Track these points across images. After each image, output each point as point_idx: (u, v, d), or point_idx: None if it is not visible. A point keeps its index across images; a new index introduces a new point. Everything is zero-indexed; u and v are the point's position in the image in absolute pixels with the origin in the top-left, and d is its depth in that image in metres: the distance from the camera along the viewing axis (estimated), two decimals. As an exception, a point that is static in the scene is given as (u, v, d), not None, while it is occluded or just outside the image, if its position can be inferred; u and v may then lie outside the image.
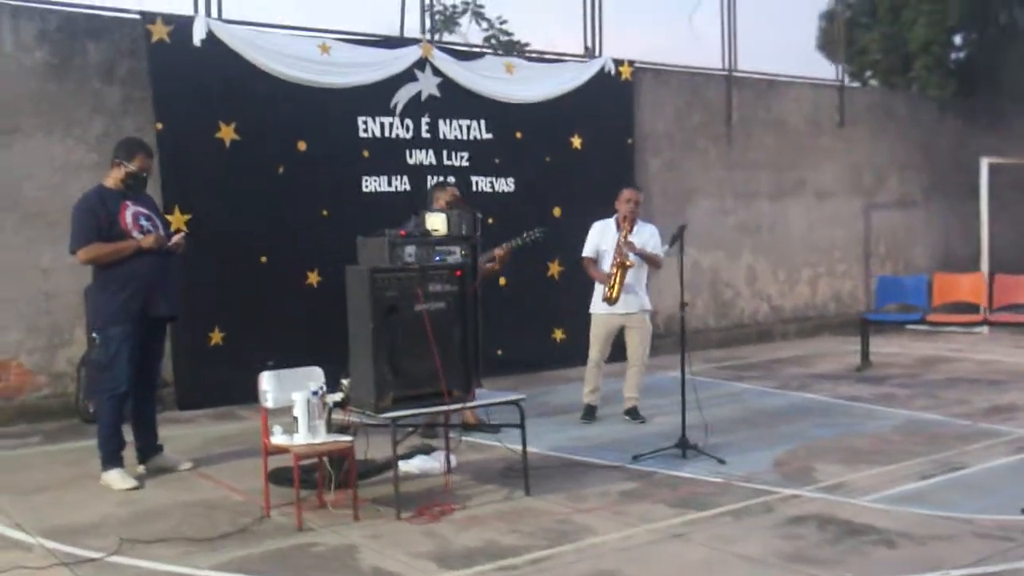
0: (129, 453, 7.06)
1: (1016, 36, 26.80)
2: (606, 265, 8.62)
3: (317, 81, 10.24)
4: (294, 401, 5.98)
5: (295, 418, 5.99)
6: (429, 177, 10.97)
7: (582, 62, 12.19)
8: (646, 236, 8.69)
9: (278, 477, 6.81)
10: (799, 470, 6.85)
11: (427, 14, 11.46)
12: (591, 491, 6.45)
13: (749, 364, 11.81)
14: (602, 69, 12.18)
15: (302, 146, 10.23)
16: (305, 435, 5.94)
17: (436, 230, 6.50)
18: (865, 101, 15.11)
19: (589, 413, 8.69)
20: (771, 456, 7.27)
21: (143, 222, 6.90)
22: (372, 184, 10.69)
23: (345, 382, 6.36)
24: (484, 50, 11.48)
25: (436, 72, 11.00)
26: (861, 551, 5.18)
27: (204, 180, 9.68)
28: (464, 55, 11.29)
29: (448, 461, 6.97)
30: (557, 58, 12.13)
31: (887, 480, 6.51)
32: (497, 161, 11.44)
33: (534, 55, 11.89)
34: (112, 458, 6.87)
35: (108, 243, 6.74)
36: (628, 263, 8.45)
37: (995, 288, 10.83)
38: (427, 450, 7.31)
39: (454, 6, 11.68)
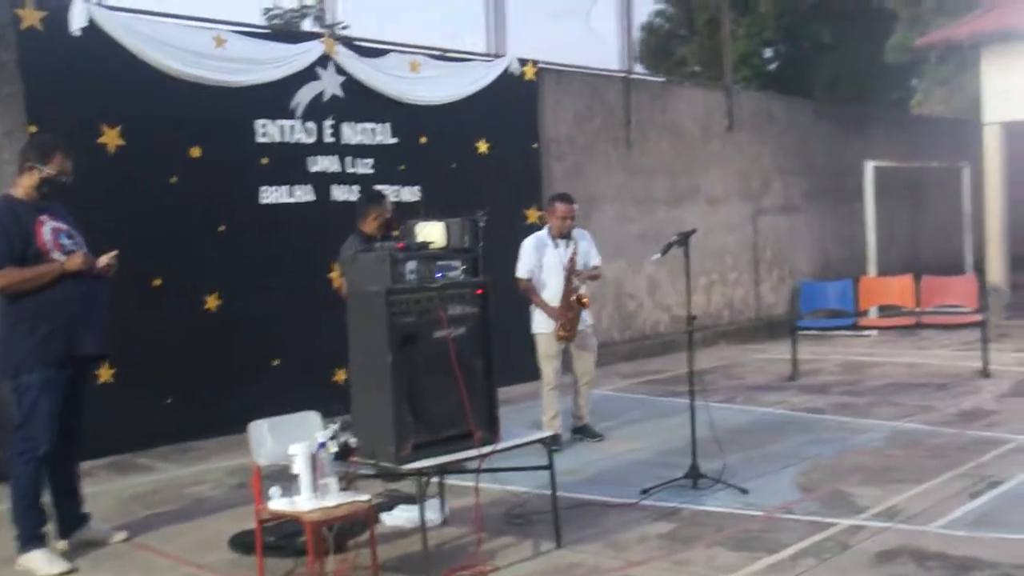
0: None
1: (822, 50, 27.81)
2: (549, 286, 7.78)
3: (211, 79, 9.02)
4: (292, 456, 4.88)
5: (295, 476, 4.88)
6: (333, 187, 9.91)
7: (487, 62, 11.37)
8: (585, 248, 7.95)
9: (242, 544, 5.69)
10: (832, 495, 6.25)
11: (266, 17, 10.45)
12: (625, 537, 5.64)
13: (670, 378, 11.23)
14: (507, 70, 11.40)
15: (195, 152, 8.98)
16: (311, 496, 4.85)
17: (433, 242, 5.52)
18: (751, 106, 14.90)
19: (555, 442, 7.84)
20: (787, 480, 6.66)
21: (64, 240, 5.62)
22: (272, 195, 9.52)
23: (334, 426, 5.28)
24: (389, 47, 10.47)
25: (339, 70, 9.94)
26: (991, 592, 4.57)
27: (85, 192, 8.21)
28: (368, 51, 10.26)
29: (443, 510, 6.02)
30: (462, 57, 11.25)
31: (937, 501, 5.98)
32: (402, 168, 10.46)
33: (438, 53, 10.96)
34: (33, 536, 5.56)
35: (24, 267, 5.43)
36: (585, 301, 7.70)
37: (923, 290, 10.64)
38: (407, 499, 6.30)
39: (294, 10, 10.69)
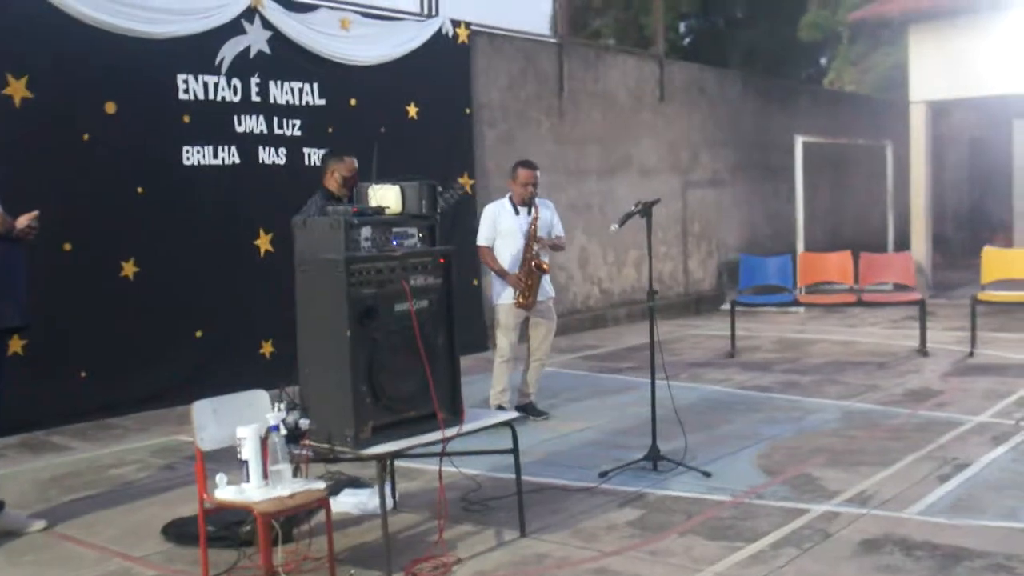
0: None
1: (735, 25, 27.91)
2: (505, 250, 7.49)
3: (129, 28, 8.38)
4: (241, 440, 4.41)
5: (244, 462, 4.42)
6: (260, 148, 9.35)
7: (420, 21, 10.87)
8: (548, 218, 7.67)
9: (177, 533, 5.22)
10: (799, 479, 6.01)
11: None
12: (592, 524, 5.31)
13: (606, 354, 10.98)
14: (440, 30, 10.92)
15: (111, 108, 8.34)
16: (260, 485, 4.39)
17: (388, 207, 5.07)
18: (682, 76, 14.65)
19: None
20: (749, 463, 6.41)
21: (-24, 200, 5.03)
22: (194, 155, 8.92)
23: (280, 404, 4.81)
24: (318, 2, 9.89)
25: (266, 24, 9.36)
26: (988, 583, 4.36)
27: (-10, 147, 7.62)
28: (296, 6, 9.67)
29: (393, 495, 5.62)
30: (394, 15, 10.72)
31: (907, 485, 5.79)
32: (330, 131, 9.91)
33: (370, 10, 10.42)
34: (-61, 526, 4.99)
35: (-70, 229, 4.84)
36: (544, 266, 7.40)
37: (861, 267, 10.52)
38: (352, 482, 5.89)
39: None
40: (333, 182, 6.77)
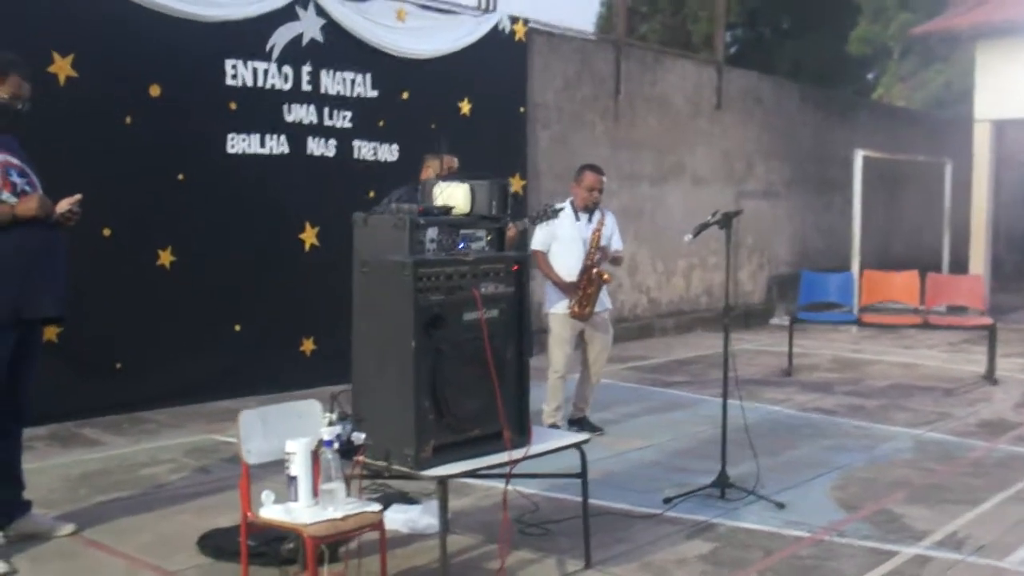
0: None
1: (782, 36, 27.39)
2: (566, 262, 7.04)
3: (178, 10, 8.05)
4: (290, 454, 4.03)
5: (292, 479, 4.04)
6: (309, 139, 9.01)
7: (477, 15, 10.49)
8: (610, 229, 7.24)
9: (215, 547, 4.85)
10: (880, 515, 5.58)
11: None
12: (661, 557, 4.90)
13: (656, 366, 10.56)
14: (497, 26, 10.54)
15: (155, 91, 8.01)
16: (310, 504, 4.01)
17: (455, 207, 4.67)
18: (739, 84, 14.20)
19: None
20: (823, 494, 5.99)
21: (16, 178, 4.70)
22: (240, 144, 8.58)
23: (331, 415, 4.42)
24: (375, -9, 9.54)
25: (320, 12, 9.01)
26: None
27: (29, 126, 7.26)
28: (352, -6, 9.32)
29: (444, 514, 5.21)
30: (451, 9, 10.35)
31: (1001, 529, 5.34)
32: (381, 124, 9.56)
33: (426, 3, 10.06)
34: (-36, 528, 4.64)
35: (-34, 210, 4.49)
36: (605, 277, 6.97)
37: (928, 287, 10.06)
38: (401, 497, 5.51)
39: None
40: (427, 176, 6.40)
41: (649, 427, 7.63)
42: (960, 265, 14.70)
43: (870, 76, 29.48)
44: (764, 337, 12.75)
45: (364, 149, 9.44)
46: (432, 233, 4.39)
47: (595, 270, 6.93)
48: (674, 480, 6.12)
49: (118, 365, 7.76)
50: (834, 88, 24.53)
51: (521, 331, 4.53)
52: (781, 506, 5.66)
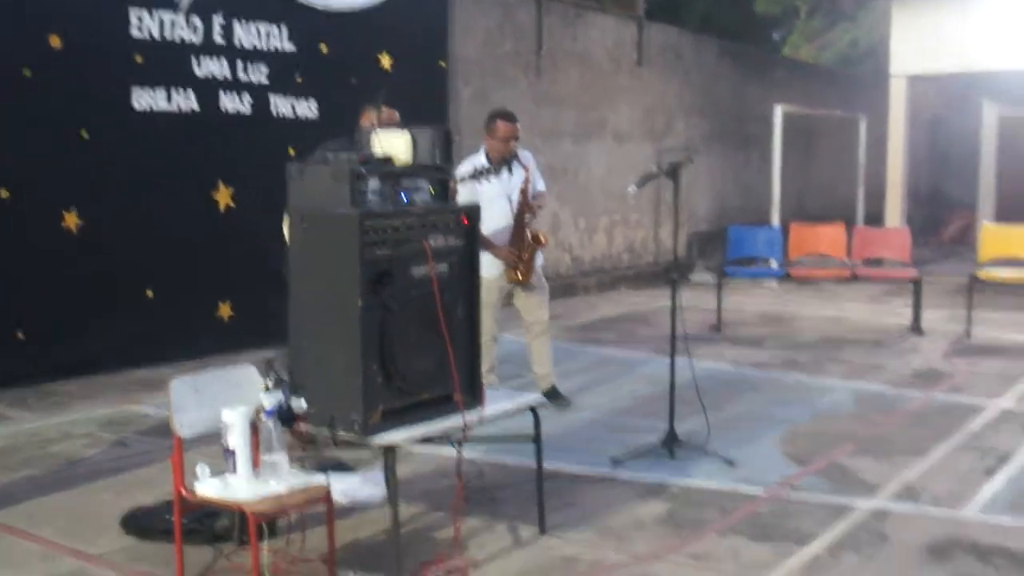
0: None
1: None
2: (491, 221, 6.62)
3: (78, -46, 7.50)
4: (227, 425, 3.72)
5: (230, 452, 3.72)
6: (222, 94, 8.54)
7: (396, -34, 10.07)
8: (532, 171, 6.82)
9: (140, 527, 4.52)
10: (831, 469, 5.49)
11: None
12: (617, 521, 4.72)
13: (584, 325, 10.38)
14: (417, -24, 10.15)
15: (55, 42, 7.48)
16: (250, 478, 3.70)
17: (396, 156, 4.36)
18: (660, 40, 14.02)
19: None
20: (772, 449, 5.88)
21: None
22: (146, 99, 8.08)
23: (267, 381, 4.11)
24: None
25: (231, -42, 8.51)
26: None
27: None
28: (265, -60, 8.84)
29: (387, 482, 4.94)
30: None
31: (953, 479, 5.29)
32: (299, 79, 9.13)
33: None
34: None
35: None
36: (543, 238, 6.62)
37: (854, 241, 10.04)
38: (336, 466, 5.21)
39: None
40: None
41: (586, 388, 7.44)
42: (874, 219, 14.82)
43: (777, 36, 29.67)
44: (686, 294, 12.61)
45: (281, 105, 9.02)
46: (374, 184, 4.07)
47: (530, 234, 6.57)
48: (618, 440, 5.95)
49: (20, 334, 7.28)
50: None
51: (472, 287, 4.27)
52: (731, 463, 5.52)
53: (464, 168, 6.60)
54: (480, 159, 6.65)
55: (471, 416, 4.10)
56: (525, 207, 6.50)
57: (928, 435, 6.09)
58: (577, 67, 12.56)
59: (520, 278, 6.55)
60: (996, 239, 9.86)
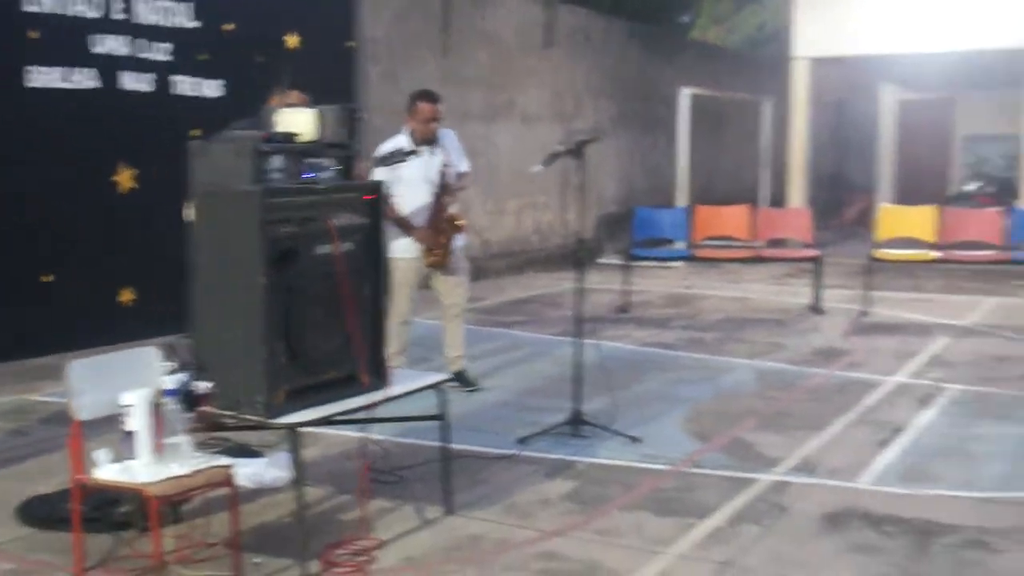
0: None
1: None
2: (411, 202, 6.62)
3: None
4: (127, 407, 3.66)
5: (129, 435, 3.67)
6: (122, 73, 8.32)
7: (300, -60, 9.93)
8: (452, 151, 6.85)
9: (36, 516, 4.43)
10: (734, 444, 5.62)
11: None
12: (524, 498, 4.77)
13: (493, 307, 10.42)
14: (322, -48, 10.01)
15: (-59, 16, 7.21)
16: (152, 461, 3.66)
17: (300, 133, 4.33)
18: (569, 21, 14.06)
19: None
20: (676, 427, 6.00)
21: None
22: (41, 77, 7.81)
23: (170, 364, 4.06)
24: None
25: (131, -68, 8.29)
26: (971, 562, 4.04)
27: None
28: (164, -88, 8.63)
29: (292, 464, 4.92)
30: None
31: (849, 452, 5.46)
32: (203, 58, 8.95)
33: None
34: None
35: None
36: (461, 223, 6.63)
37: (758, 222, 10.25)
38: (241, 450, 5.16)
39: None
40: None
41: (494, 369, 7.48)
42: (781, 201, 15.15)
43: (686, 19, 29.99)
44: (594, 276, 12.75)
45: (185, 84, 8.83)
46: (277, 162, 4.04)
47: (448, 218, 6.56)
48: (526, 420, 6.01)
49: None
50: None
51: (377, 266, 4.26)
52: (636, 440, 5.61)
53: (384, 149, 6.57)
54: (401, 140, 6.62)
55: (376, 396, 4.09)
56: (445, 190, 6.49)
57: (826, 410, 6.27)
58: (486, 48, 12.56)
59: (437, 260, 6.54)
60: (892, 220, 10.16)
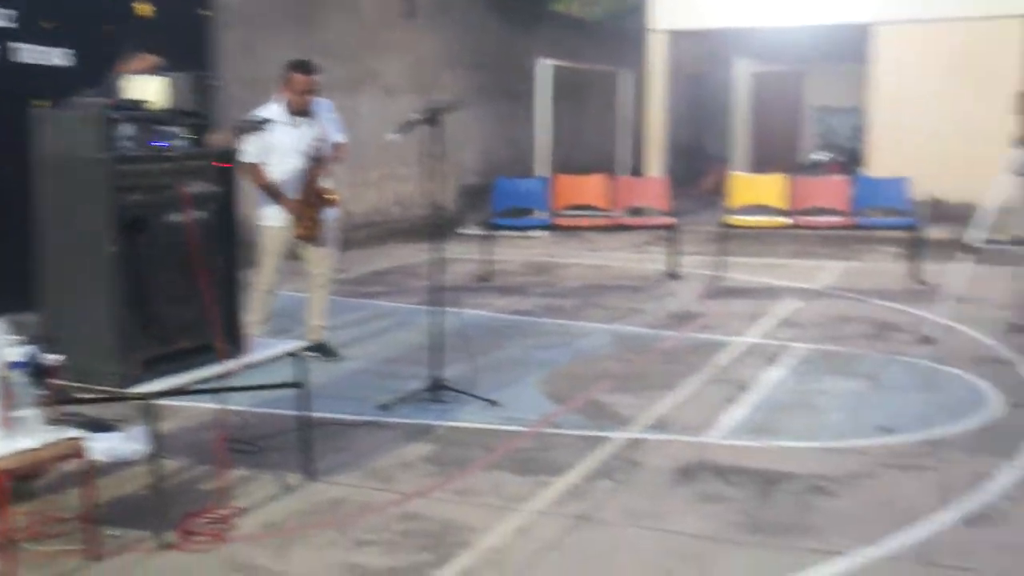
0: None
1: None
2: (283, 173, 6.54)
3: None
4: (-28, 378, 3.57)
5: (-24, 406, 3.59)
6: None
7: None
8: (328, 123, 6.78)
9: None
10: (590, 405, 5.78)
11: None
12: (384, 463, 4.83)
13: (356, 278, 10.37)
14: (171, -83, 9.73)
15: None
16: (2, 435, 3.58)
17: (149, 101, 4.26)
18: (427, -10, 14.04)
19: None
20: (534, 390, 6.13)
21: None
22: None
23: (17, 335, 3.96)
24: None
25: None
26: (810, 506, 4.29)
27: None
28: None
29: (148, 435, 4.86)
30: None
31: (700, 409, 5.68)
32: (47, 26, 8.61)
33: None
34: None
35: None
36: (334, 198, 6.58)
37: (616, 191, 10.46)
38: (95, 424, 5.06)
39: None
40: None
41: (355, 338, 7.49)
42: (641, 171, 15.46)
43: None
44: (456, 246, 12.81)
45: (27, 52, 8.48)
46: (127, 130, 3.96)
47: (318, 192, 6.50)
48: (387, 387, 6.05)
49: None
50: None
51: (230, 233, 4.23)
52: (495, 404, 5.72)
53: (254, 116, 6.45)
54: (274, 110, 6.53)
55: (232, 364, 4.08)
56: (319, 162, 6.44)
57: (680, 370, 6.49)
58: (346, 18, 12.44)
59: (306, 232, 6.50)
60: (744, 188, 10.49)
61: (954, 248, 8.92)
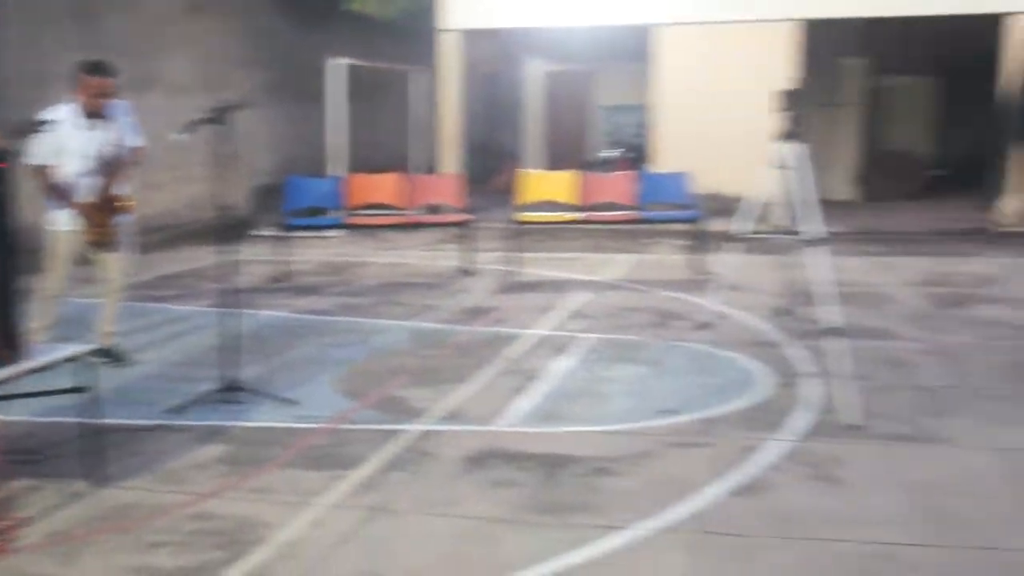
0: None
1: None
2: (69, 172, 6.31)
3: None
4: None
5: None
6: None
7: None
8: (124, 126, 6.60)
9: None
10: (384, 401, 5.88)
11: None
12: (177, 465, 4.80)
13: (146, 283, 10.02)
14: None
15: None
16: None
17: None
18: (215, -14, 13.76)
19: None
20: (329, 388, 6.18)
21: None
22: None
23: None
24: None
25: None
26: (594, 486, 4.53)
27: None
28: None
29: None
30: None
31: (490, 399, 5.86)
32: None
33: None
34: None
35: None
36: (127, 205, 6.41)
37: (411, 188, 10.56)
38: None
39: None
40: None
41: (147, 343, 7.32)
42: (435, 170, 15.60)
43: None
44: (251, 248, 12.64)
45: None
46: None
47: (110, 200, 6.31)
48: (180, 391, 5.97)
49: None
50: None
51: (6, 234, 4.10)
52: (291, 402, 5.74)
53: (36, 117, 6.20)
54: (64, 110, 6.29)
55: (8, 371, 3.96)
56: (113, 166, 6.25)
57: (472, 363, 6.66)
58: (129, 12, 12.06)
59: (98, 238, 6.32)
60: (535, 185, 10.80)
61: (726, 239, 9.47)
